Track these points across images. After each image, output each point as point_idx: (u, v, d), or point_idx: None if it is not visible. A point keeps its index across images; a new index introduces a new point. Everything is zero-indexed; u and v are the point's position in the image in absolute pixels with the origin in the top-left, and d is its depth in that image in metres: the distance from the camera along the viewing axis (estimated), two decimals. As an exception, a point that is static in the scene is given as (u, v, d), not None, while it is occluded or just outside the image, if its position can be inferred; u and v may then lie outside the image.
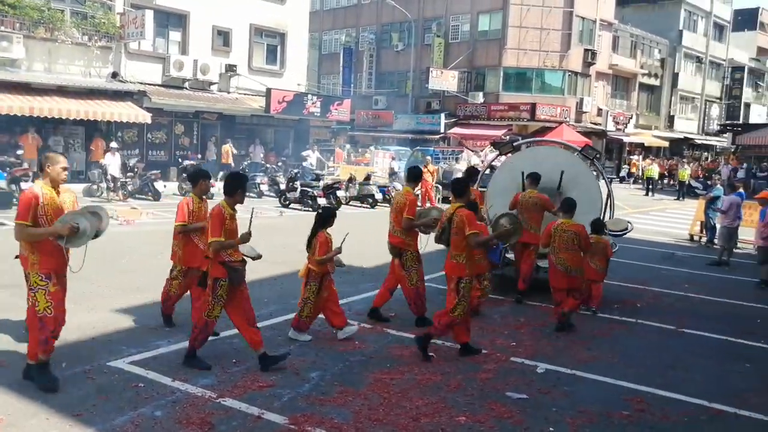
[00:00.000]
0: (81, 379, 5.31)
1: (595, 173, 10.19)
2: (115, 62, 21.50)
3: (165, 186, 19.07)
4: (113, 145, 18.52)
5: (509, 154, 10.34)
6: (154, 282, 8.71)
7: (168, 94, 22.32)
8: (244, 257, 5.81)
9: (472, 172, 9.43)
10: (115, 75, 21.36)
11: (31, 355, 5.19)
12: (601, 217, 9.12)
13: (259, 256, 6.18)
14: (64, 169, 5.14)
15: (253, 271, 9.81)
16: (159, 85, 22.60)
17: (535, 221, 8.66)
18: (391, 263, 7.43)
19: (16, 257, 5.33)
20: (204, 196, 6.66)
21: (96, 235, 5.30)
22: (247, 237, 5.56)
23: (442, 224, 6.44)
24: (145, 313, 7.27)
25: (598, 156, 10.12)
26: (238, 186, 5.66)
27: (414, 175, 7.56)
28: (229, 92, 24.67)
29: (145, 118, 20.56)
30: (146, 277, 8.96)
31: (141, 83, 21.76)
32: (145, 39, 21.15)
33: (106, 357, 5.82)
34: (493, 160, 12.06)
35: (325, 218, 6.57)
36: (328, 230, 6.59)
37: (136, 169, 18.50)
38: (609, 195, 9.90)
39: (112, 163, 17.64)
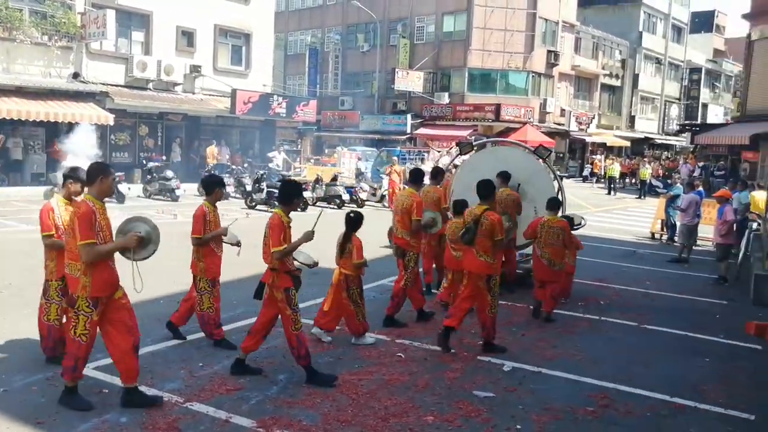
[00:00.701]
0: (43, 387, 5.21)
1: (549, 172, 10.45)
2: (76, 62, 21.06)
3: (129, 188, 18.76)
4: (75, 147, 18.13)
5: (470, 154, 10.54)
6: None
7: (131, 95, 21.95)
8: (302, 265, 5.78)
9: (437, 172, 9.53)
10: (76, 75, 20.92)
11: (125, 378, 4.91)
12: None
13: (316, 264, 6.13)
14: (114, 180, 4.85)
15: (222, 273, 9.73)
16: (122, 86, 22.21)
17: (513, 217, 9.12)
18: (398, 263, 7.64)
19: (62, 277, 4.99)
20: (217, 204, 6.52)
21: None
22: (310, 235, 5.53)
23: (465, 224, 6.72)
24: (109, 318, 7.14)
25: (549, 155, 10.52)
26: (294, 194, 5.60)
27: (417, 177, 7.85)
28: (194, 93, 24.37)
29: (108, 119, 20.19)
30: (110, 282, 8.80)
31: (103, 84, 21.36)
32: (107, 39, 20.76)
33: (69, 363, 5.72)
34: (453, 160, 12.25)
35: (355, 221, 6.66)
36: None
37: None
38: (560, 191, 10.15)
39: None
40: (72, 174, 5.57)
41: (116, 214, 15.38)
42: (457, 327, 6.56)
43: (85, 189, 5.12)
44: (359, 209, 19.25)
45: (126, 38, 22.80)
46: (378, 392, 5.41)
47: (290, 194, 5.59)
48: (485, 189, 6.81)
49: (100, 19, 20.13)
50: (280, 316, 5.57)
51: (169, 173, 19.55)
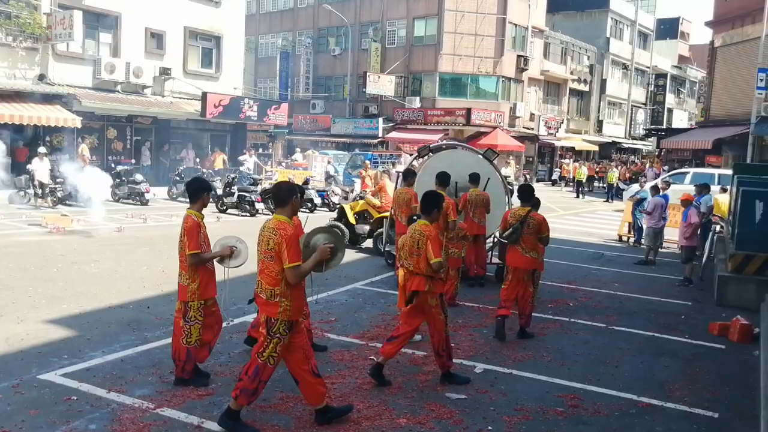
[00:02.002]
0: (9, 394, 5.11)
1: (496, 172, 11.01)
2: (42, 64, 20.67)
3: (97, 192, 18.43)
4: (41, 149, 17.76)
5: (428, 156, 11.05)
6: (87, 291, 8.46)
7: (99, 97, 21.60)
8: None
9: (408, 174, 9.91)
10: (42, 77, 20.53)
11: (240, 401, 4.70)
12: (507, 209, 10.23)
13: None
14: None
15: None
16: (89, 88, 21.84)
17: (483, 215, 9.78)
18: None
19: (251, 301, 4.81)
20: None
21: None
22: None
23: (510, 224, 7.33)
24: (78, 323, 7.04)
25: (496, 158, 11.29)
26: (435, 205, 5.85)
27: (444, 179, 8.40)
28: (163, 96, 24.08)
29: (75, 122, 19.85)
30: (78, 286, 8.68)
31: (70, 86, 20.98)
32: (73, 40, 20.42)
33: (36, 370, 5.62)
34: (409, 164, 12.78)
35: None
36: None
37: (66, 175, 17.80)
38: (507, 191, 10.84)
39: (40, 168, 16.93)
40: (207, 186, 5.60)
41: (82, 218, 15.16)
42: (509, 314, 7.29)
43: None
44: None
45: (93, 40, 22.44)
46: (351, 396, 5.42)
47: (432, 205, 5.89)
48: (526, 192, 7.47)
49: (67, 20, 19.80)
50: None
51: (139, 177, 19.29)
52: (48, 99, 20.10)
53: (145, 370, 5.78)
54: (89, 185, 14.68)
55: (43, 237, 12.52)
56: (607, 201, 29.02)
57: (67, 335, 6.68)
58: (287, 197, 4.70)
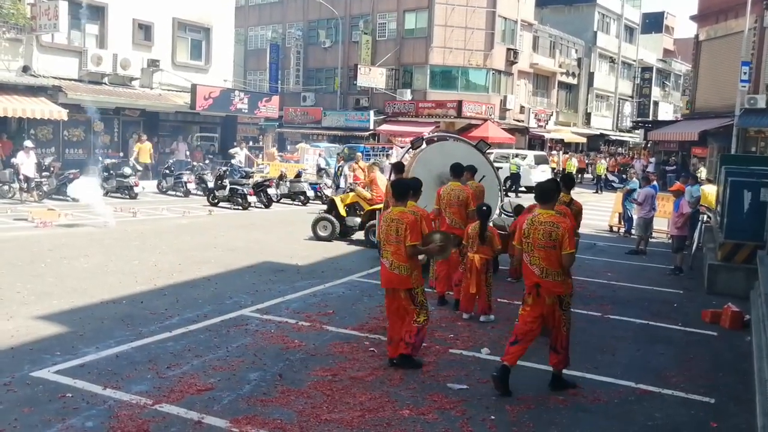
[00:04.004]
0: (1, 392, 5.00)
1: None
2: (27, 55, 20.36)
3: (84, 186, 18.22)
4: (27, 143, 17.51)
5: (421, 148, 11.09)
6: (77, 286, 8.35)
7: (86, 89, 21.29)
8: None
9: (399, 167, 9.86)
10: (26, 69, 20.23)
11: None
12: (499, 201, 10.94)
13: None
14: None
15: (182, 272, 9.56)
16: (75, 80, 21.54)
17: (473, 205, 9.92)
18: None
19: (537, 286, 5.40)
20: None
21: None
22: None
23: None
24: (70, 319, 6.94)
25: (488, 149, 11.47)
26: (556, 195, 6.12)
27: (458, 171, 8.63)
28: (151, 88, 23.82)
29: (61, 114, 19.59)
30: (68, 282, 8.56)
31: (55, 78, 20.69)
32: (59, 31, 20.11)
33: (28, 367, 5.51)
34: (402, 155, 12.84)
35: (489, 213, 7.69)
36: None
37: (52, 169, 17.59)
38: (499, 182, 11.17)
39: (26, 162, 16.70)
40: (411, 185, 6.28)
41: (69, 212, 15.01)
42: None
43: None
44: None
45: (79, 31, 22.11)
46: (352, 388, 5.37)
47: (553, 195, 6.22)
48: (568, 180, 8.36)
49: (52, 11, 19.50)
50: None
51: (127, 170, 19.04)
52: (33, 91, 19.82)
53: (141, 365, 5.70)
54: None
55: (29, 232, 12.35)
56: (596, 192, 29.17)
57: (59, 331, 6.57)
58: (557, 196, 5.69)
